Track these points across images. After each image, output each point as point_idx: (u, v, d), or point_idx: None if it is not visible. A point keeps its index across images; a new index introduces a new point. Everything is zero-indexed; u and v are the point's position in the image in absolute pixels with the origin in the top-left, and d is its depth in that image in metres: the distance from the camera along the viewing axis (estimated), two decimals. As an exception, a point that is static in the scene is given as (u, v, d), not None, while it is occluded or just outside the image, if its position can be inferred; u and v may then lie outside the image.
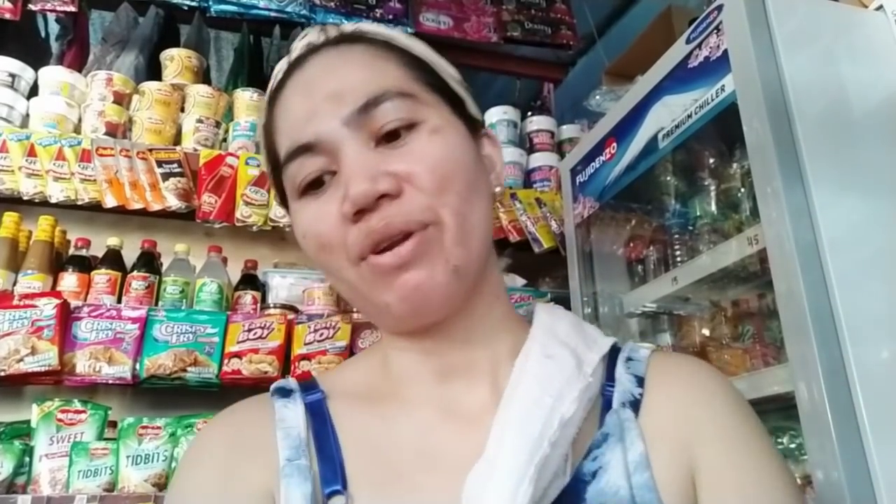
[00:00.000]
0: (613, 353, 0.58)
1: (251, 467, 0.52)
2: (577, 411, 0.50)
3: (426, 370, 0.56)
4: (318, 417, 0.55)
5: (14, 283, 1.53)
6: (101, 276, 1.58)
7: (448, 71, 0.60)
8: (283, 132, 0.55)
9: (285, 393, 0.58)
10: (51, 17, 2.04)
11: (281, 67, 0.58)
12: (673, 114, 1.28)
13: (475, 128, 0.59)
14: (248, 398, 0.60)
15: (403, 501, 0.50)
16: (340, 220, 0.50)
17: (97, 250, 1.65)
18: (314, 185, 0.53)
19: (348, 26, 0.59)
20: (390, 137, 0.52)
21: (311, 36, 0.58)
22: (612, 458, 0.49)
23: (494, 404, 0.52)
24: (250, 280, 1.74)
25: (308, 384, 0.59)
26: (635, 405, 0.53)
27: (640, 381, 0.55)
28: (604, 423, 0.52)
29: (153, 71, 1.94)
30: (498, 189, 0.59)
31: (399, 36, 0.59)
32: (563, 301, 1.67)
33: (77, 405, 1.42)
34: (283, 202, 0.60)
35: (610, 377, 0.56)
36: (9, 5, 1.71)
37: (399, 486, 0.51)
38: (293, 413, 0.55)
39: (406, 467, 0.52)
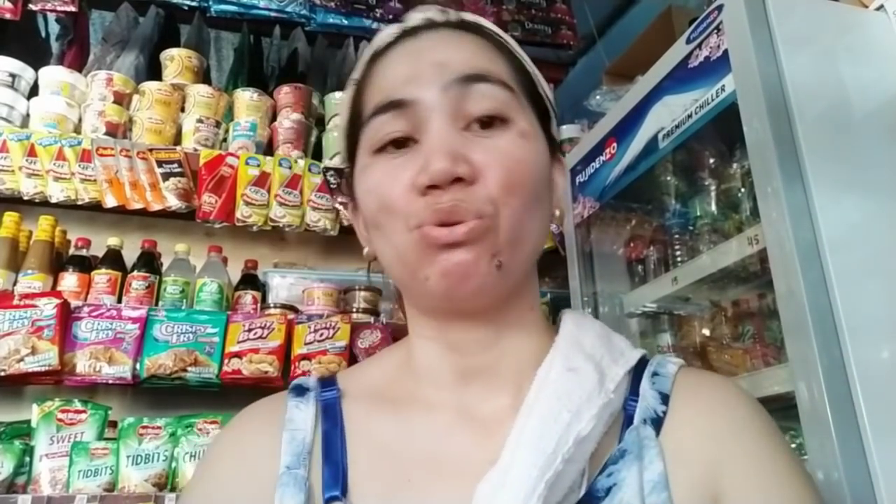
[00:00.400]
0: (641, 365, 0.56)
1: (249, 480, 0.53)
2: (596, 428, 0.50)
3: (448, 368, 0.56)
4: (330, 417, 0.56)
5: (14, 283, 1.53)
6: (101, 276, 1.58)
7: (544, 87, 0.60)
8: (378, 88, 0.55)
9: (300, 392, 0.58)
10: (51, 17, 2.04)
11: (391, 32, 0.58)
12: (673, 114, 1.28)
13: (553, 148, 0.59)
14: (266, 397, 0.61)
15: None
16: (410, 188, 0.50)
17: (97, 250, 1.65)
18: (393, 145, 0.52)
19: (468, 15, 0.59)
20: (480, 124, 0.52)
21: (431, 12, 0.58)
22: (628, 476, 0.48)
23: (514, 412, 0.51)
24: (250, 280, 1.74)
25: (327, 381, 0.60)
26: (657, 423, 0.52)
27: (665, 399, 0.53)
28: (622, 439, 0.51)
29: (153, 71, 1.94)
30: (557, 213, 0.59)
31: (512, 41, 0.59)
32: (563, 301, 1.67)
33: (77, 405, 1.43)
34: (350, 157, 0.59)
35: (634, 391, 0.54)
36: (9, 5, 1.71)
37: (407, 492, 0.50)
38: (303, 414, 0.56)
39: (416, 472, 0.51)
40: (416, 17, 0.58)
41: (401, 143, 0.52)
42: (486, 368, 0.55)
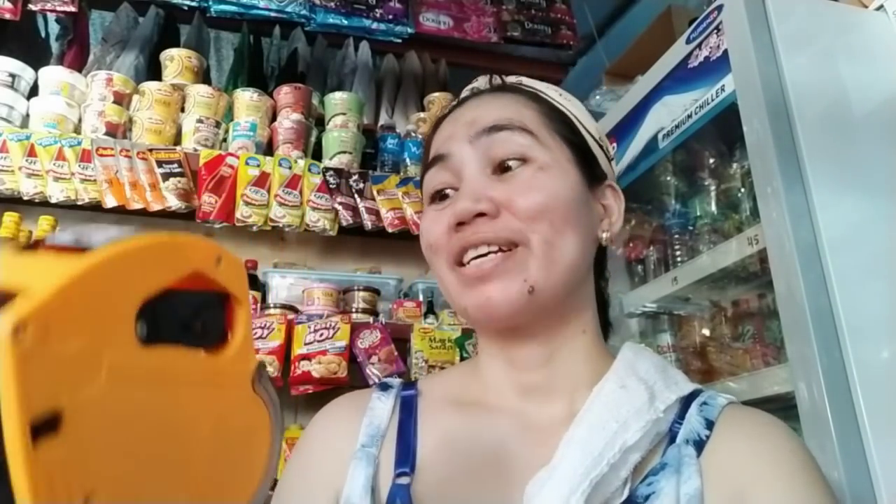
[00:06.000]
0: (693, 396, 0.60)
1: (331, 454, 0.63)
2: (642, 440, 0.54)
3: (510, 383, 0.63)
4: (407, 410, 0.65)
5: (14, 283, 1.53)
6: (101, 276, 1.58)
7: (589, 129, 0.67)
8: (432, 150, 0.66)
9: (385, 388, 0.68)
10: (51, 17, 2.04)
11: (450, 105, 0.70)
12: (673, 114, 1.28)
13: (596, 179, 0.65)
14: (357, 391, 0.71)
15: (465, 492, 0.57)
16: (448, 228, 0.59)
17: (97, 250, 1.65)
18: (441, 197, 0.63)
19: (512, 78, 0.70)
20: (505, 169, 0.60)
21: (479, 82, 0.70)
22: (666, 486, 0.53)
23: (568, 422, 0.57)
24: (250, 280, 1.74)
25: (408, 384, 0.69)
26: (699, 444, 0.56)
27: (710, 425, 0.57)
28: (665, 455, 0.56)
29: (153, 71, 1.94)
30: (605, 235, 0.64)
31: (551, 91, 0.67)
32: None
33: (77, 405, 1.42)
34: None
35: (682, 416, 0.59)
36: (9, 5, 1.71)
37: (465, 478, 0.58)
38: (383, 404, 0.65)
39: (475, 465, 0.59)
40: (468, 88, 0.70)
41: (446, 193, 0.62)
42: (543, 384, 0.61)
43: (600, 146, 0.67)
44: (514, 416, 0.61)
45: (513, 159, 0.59)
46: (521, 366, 0.62)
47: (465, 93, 0.70)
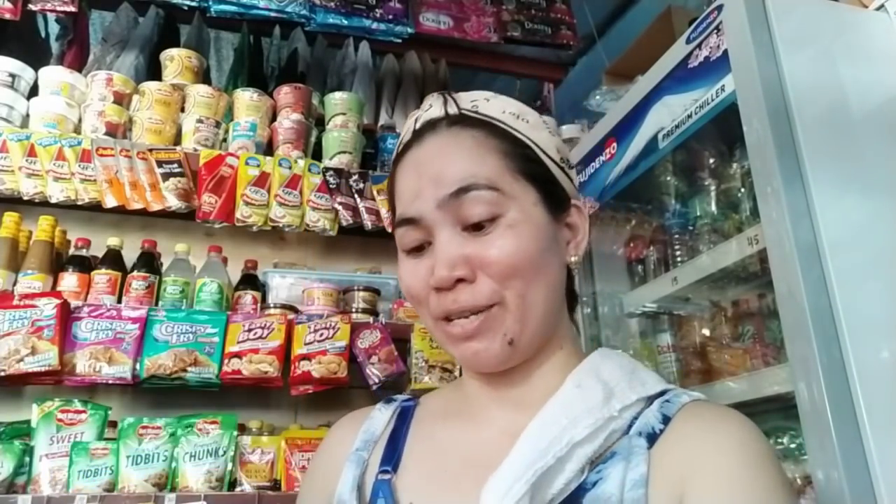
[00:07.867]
0: (660, 395, 0.63)
1: (330, 459, 0.72)
2: (592, 436, 0.58)
3: (489, 398, 0.68)
4: (402, 418, 0.73)
5: (14, 283, 1.53)
6: (101, 276, 1.58)
7: (549, 153, 0.67)
8: (399, 198, 0.67)
9: (389, 401, 0.76)
10: (51, 17, 2.05)
11: (408, 132, 0.69)
12: (673, 114, 1.28)
13: (561, 206, 0.67)
14: (369, 406, 0.78)
15: (442, 487, 0.63)
16: (426, 284, 0.63)
17: (97, 250, 1.65)
18: (415, 250, 0.65)
19: (466, 101, 0.67)
20: (475, 227, 0.62)
21: (433, 109, 0.68)
22: (613, 472, 0.56)
23: None
24: (250, 280, 1.74)
25: (412, 397, 0.77)
26: (652, 437, 0.58)
27: (666, 420, 0.60)
28: (616, 445, 0.59)
29: (153, 71, 1.94)
30: (574, 258, 0.68)
31: (508, 117, 0.66)
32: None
33: (77, 405, 1.43)
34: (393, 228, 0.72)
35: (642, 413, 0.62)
36: (9, 5, 1.71)
37: (442, 477, 0.64)
38: (382, 415, 0.74)
39: (453, 465, 0.65)
40: (422, 116, 0.68)
41: (421, 247, 0.65)
42: (518, 396, 0.67)
43: (561, 167, 0.68)
44: (492, 424, 0.66)
45: (483, 221, 0.61)
46: (500, 385, 0.67)
47: (420, 121, 0.68)
